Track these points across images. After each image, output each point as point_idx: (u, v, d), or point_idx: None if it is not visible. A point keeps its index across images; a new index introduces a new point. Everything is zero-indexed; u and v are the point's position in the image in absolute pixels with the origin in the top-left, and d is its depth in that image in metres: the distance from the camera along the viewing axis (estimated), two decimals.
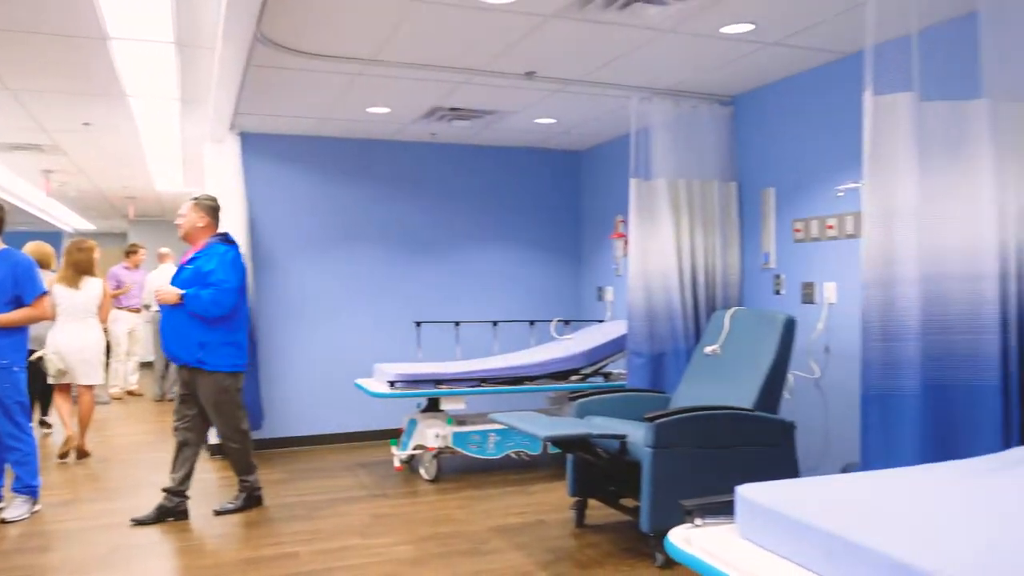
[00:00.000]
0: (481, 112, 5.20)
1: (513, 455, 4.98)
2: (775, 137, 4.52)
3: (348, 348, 5.97)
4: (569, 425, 3.50)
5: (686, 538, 1.77)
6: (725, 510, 1.86)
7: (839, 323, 4.02)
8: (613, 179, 6.03)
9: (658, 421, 3.28)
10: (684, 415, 3.32)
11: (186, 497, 4.06)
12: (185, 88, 4.59)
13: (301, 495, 4.55)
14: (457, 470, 5.11)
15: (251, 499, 4.22)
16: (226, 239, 4.08)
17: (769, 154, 4.56)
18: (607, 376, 5.30)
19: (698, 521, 1.86)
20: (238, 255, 4.03)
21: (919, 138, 2.61)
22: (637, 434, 3.40)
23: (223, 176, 5.41)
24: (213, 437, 4.62)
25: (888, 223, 2.61)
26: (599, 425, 3.65)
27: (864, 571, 1.42)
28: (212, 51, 3.81)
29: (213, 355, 3.92)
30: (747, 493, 1.76)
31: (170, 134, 5.91)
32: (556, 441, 3.32)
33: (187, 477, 4.05)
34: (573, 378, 5.16)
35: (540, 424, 3.43)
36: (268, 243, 5.83)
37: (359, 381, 5.09)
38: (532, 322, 5.88)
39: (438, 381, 4.83)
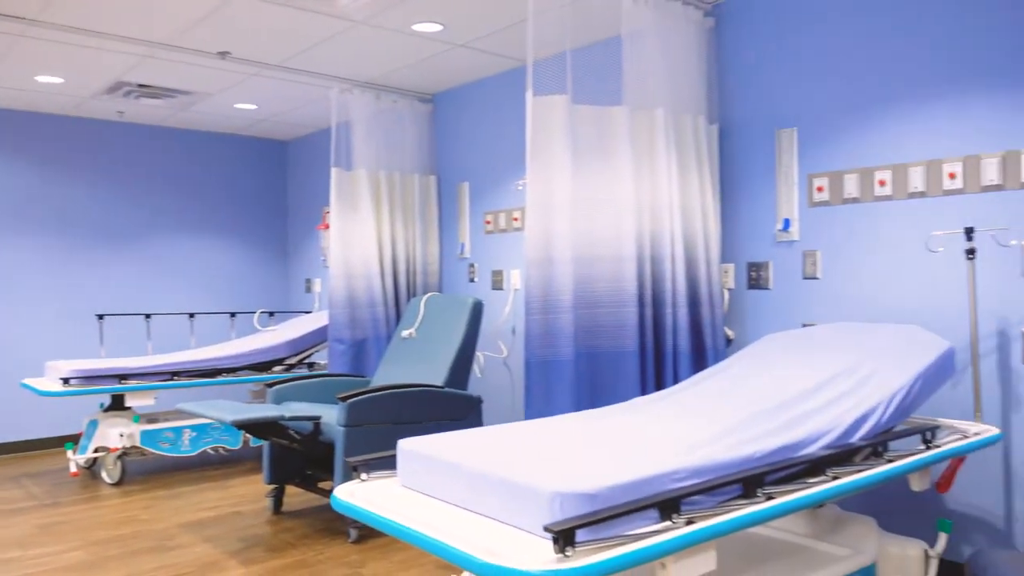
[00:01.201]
0: (173, 91, 4.91)
1: (211, 451, 4.78)
2: (470, 134, 4.84)
3: (15, 346, 5.30)
4: (261, 410, 3.46)
5: (350, 491, 1.87)
6: (388, 464, 2.00)
7: (521, 307, 4.42)
8: (320, 170, 6.03)
9: (350, 400, 3.37)
10: (375, 394, 3.45)
11: None
12: None
13: None
14: (147, 471, 4.78)
15: None
16: None
17: (465, 150, 4.88)
18: (311, 366, 5.29)
19: (363, 476, 1.98)
20: None
21: (572, 136, 2.99)
22: (331, 415, 3.47)
23: None
24: None
25: (547, 210, 2.95)
26: (295, 409, 3.65)
27: (494, 496, 1.62)
28: None
29: None
30: (404, 445, 1.92)
31: None
32: (245, 425, 3.26)
33: None
34: (276, 369, 5.08)
35: (229, 410, 3.36)
36: None
37: (27, 381, 4.55)
38: (233, 314, 5.68)
39: (122, 376, 4.48)
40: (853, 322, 2.95)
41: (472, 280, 4.80)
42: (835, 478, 1.93)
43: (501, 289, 4.59)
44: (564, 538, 1.39)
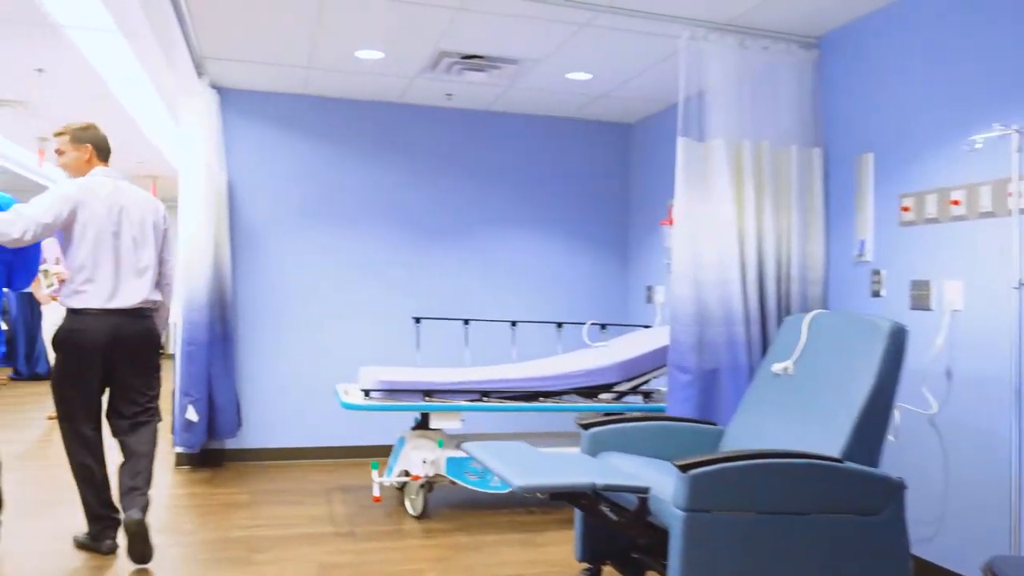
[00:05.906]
0: (497, 60, 4.18)
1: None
2: (875, 86, 3.35)
3: (337, 347, 5.03)
4: (566, 467, 2.44)
5: None
6: None
7: (966, 338, 2.84)
8: (667, 155, 4.93)
9: (694, 471, 2.19)
10: (734, 463, 2.22)
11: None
12: (115, 11, 3.69)
13: (254, 525, 3.63)
14: (455, 504, 4.09)
15: None
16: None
17: (867, 109, 3.40)
18: (647, 396, 4.21)
19: None
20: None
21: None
22: (665, 487, 2.32)
23: (194, 139, 4.54)
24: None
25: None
26: (615, 468, 2.58)
27: None
28: None
29: None
30: None
31: (137, 81, 5.03)
32: (538, 491, 2.29)
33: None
34: (603, 396, 4.08)
35: (521, 463, 2.39)
36: (248, 224, 4.95)
37: (339, 387, 4.13)
38: (560, 324, 4.82)
39: (427, 392, 3.82)
40: None
41: (877, 294, 3.29)
42: None
43: (927, 309, 3.03)
44: None
